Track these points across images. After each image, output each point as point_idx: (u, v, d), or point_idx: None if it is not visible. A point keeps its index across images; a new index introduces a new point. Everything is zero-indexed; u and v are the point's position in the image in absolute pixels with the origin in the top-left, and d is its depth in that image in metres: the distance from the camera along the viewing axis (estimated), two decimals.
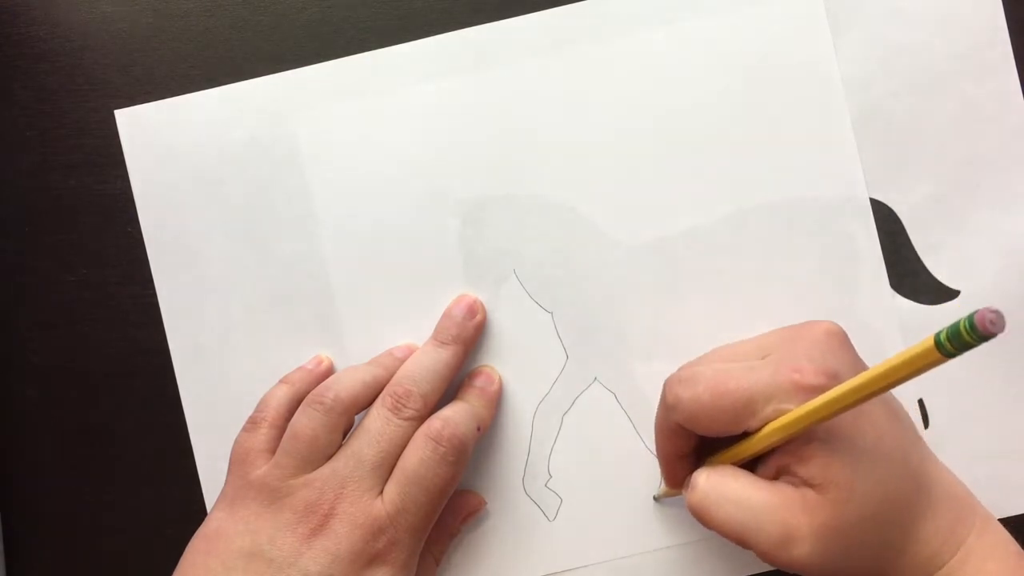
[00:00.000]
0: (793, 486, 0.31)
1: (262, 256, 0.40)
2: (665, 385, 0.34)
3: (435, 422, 0.35)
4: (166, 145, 0.40)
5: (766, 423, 0.31)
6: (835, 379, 0.30)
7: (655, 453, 0.37)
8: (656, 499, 0.39)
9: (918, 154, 0.39)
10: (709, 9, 0.39)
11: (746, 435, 0.32)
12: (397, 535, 0.34)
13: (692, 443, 0.34)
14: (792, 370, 0.30)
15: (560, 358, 0.40)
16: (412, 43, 0.40)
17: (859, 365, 0.33)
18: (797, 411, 0.30)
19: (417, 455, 0.34)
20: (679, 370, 0.34)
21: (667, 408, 0.33)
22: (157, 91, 0.40)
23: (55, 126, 0.41)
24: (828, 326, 0.33)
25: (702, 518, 0.33)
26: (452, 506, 0.38)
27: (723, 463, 0.33)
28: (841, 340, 0.33)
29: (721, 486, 0.32)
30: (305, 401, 0.36)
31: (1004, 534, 0.33)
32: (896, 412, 0.33)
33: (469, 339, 0.38)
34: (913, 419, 0.36)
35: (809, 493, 0.30)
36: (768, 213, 0.39)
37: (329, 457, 0.35)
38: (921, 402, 0.39)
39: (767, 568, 0.39)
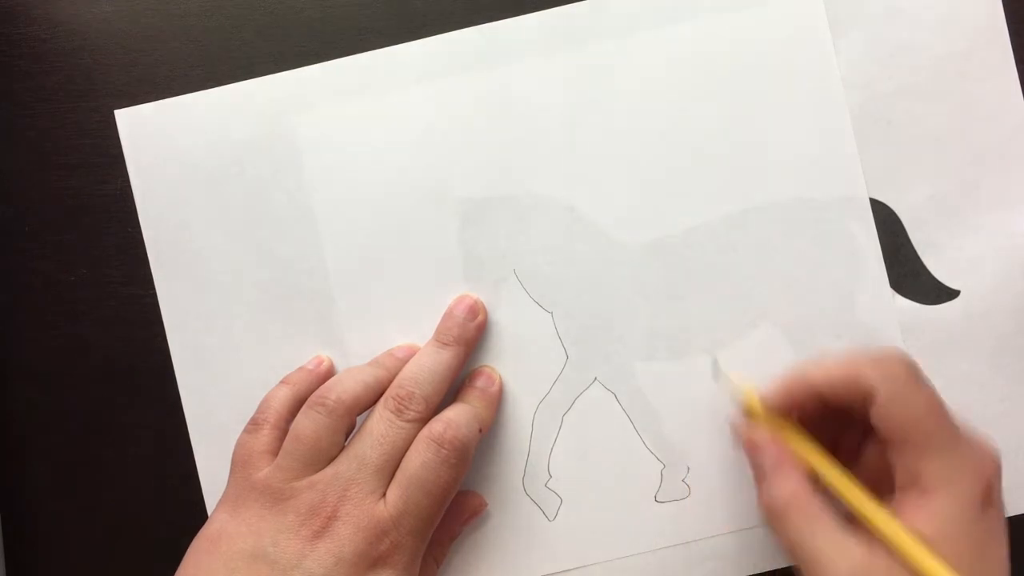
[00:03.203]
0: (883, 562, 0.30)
1: (262, 256, 0.40)
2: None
3: (437, 424, 0.35)
4: (166, 145, 0.40)
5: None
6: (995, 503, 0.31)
7: (732, 441, 0.36)
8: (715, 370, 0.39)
9: (918, 154, 0.39)
10: (709, 9, 0.39)
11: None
12: (400, 538, 0.34)
13: (803, 409, 0.34)
14: (977, 461, 0.31)
15: (560, 358, 0.40)
16: (412, 43, 0.40)
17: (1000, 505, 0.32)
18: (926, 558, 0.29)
19: (419, 458, 0.34)
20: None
21: (848, 362, 0.33)
22: (157, 91, 0.40)
23: (55, 126, 0.41)
24: (995, 458, 0.32)
25: (777, 519, 0.32)
26: (453, 507, 0.38)
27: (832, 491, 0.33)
28: (999, 472, 0.33)
29: (812, 507, 0.31)
30: (307, 403, 0.36)
31: None
32: (1001, 536, 0.32)
33: (471, 340, 0.38)
34: None
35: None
36: (768, 213, 0.39)
37: (332, 459, 0.35)
38: None
39: (767, 568, 0.39)
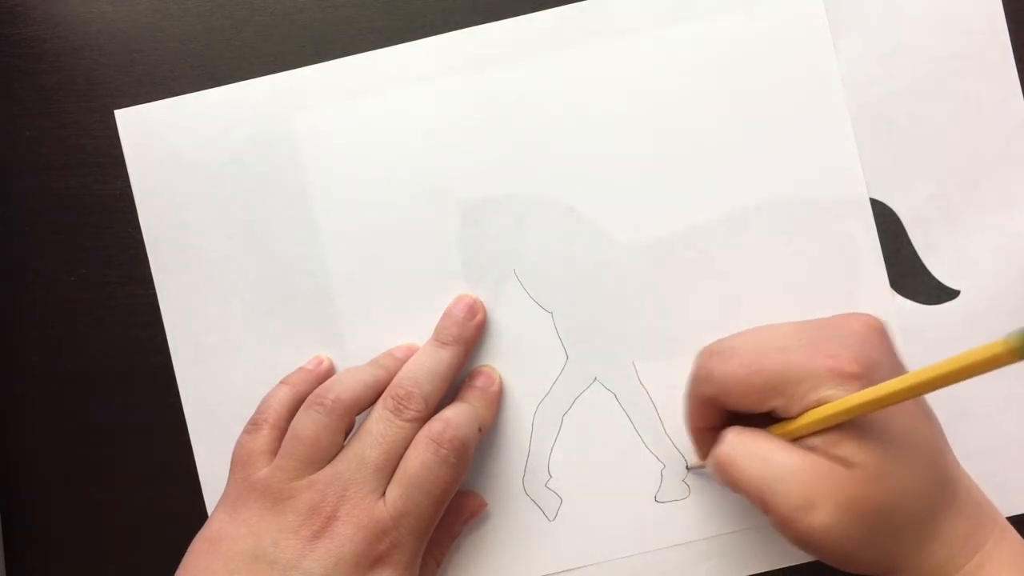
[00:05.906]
0: (823, 459, 0.31)
1: (262, 256, 0.40)
2: (699, 357, 0.34)
3: (436, 424, 0.35)
4: (166, 145, 0.40)
5: (797, 404, 0.31)
6: (871, 369, 0.30)
7: (685, 426, 0.37)
8: (689, 469, 0.39)
9: (918, 154, 0.39)
10: (709, 9, 0.39)
11: (771, 414, 0.32)
12: (400, 537, 0.34)
13: (721, 416, 0.34)
14: (828, 356, 0.30)
15: (560, 358, 0.40)
16: (412, 43, 0.40)
17: (896, 358, 0.32)
18: (845, 401, 0.29)
19: (419, 458, 0.34)
20: (713, 343, 0.34)
21: (699, 380, 0.33)
22: (157, 91, 0.40)
23: (55, 126, 0.41)
24: (868, 319, 0.33)
25: (727, 473, 0.32)
26: (453, 507, 0.38)
27: None
28: (880, 333, 0.33)
29: (752, 443, 0.32)
30: (306, 403, 0.36)
31: (1022, 544, 0.33)
32: (927, 411, 0.33)
33: (470, 339, 0.38)
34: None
35: (838, 468, 0.30)
36: (768, 213, 0.39)
37: (331, 459, 0.35)
38: None
39: (768, 568, 0.39)
